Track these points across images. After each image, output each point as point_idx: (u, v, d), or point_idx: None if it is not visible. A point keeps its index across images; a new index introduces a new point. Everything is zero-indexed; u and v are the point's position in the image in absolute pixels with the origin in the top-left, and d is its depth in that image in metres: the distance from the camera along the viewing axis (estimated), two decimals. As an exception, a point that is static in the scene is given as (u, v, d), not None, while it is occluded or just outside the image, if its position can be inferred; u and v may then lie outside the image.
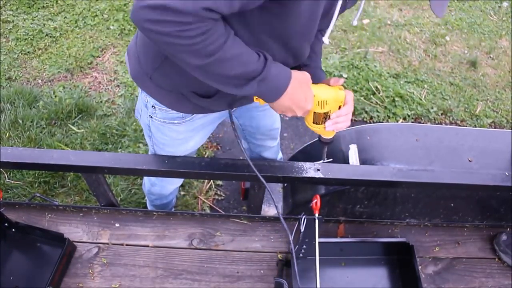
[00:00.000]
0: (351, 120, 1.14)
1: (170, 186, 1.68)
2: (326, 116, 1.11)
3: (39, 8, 3.27)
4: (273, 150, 1.81)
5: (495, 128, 2.83)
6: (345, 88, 1.10)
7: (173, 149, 1.41)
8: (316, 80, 1.13)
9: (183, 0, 0.79)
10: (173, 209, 1.96)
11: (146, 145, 2.41)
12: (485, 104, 2.97)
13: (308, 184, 1.52)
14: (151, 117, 1.30)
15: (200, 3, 0.80)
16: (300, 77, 1.04)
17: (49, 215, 1.49)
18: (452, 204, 1.53)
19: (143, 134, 2.45)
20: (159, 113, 1.27)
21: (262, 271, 1.40)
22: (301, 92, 1.03)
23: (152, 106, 1.26)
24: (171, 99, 1.23)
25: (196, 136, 1.41)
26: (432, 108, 2.85)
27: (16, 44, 3.00)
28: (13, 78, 2.81)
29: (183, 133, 1.35)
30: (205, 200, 2.25)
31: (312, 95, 1.06)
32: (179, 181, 1.73)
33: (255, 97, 1.08)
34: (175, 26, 0.81)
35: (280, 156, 1.99)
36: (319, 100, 1.07)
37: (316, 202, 1.26)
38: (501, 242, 1.47)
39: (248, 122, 1.59)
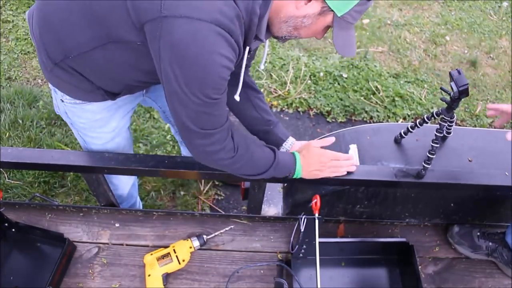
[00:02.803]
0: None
1: (123, 186, 1.63)
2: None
3: (39, 8, 3.27)
4: None
5: (495, 128, 2.83)
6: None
7: (95, 133, 1.38)
8: (279, 138, 1.41)
9: None
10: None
11: (146, 145, 2.41)
12: (485, 104, 2.97)
13: (308, 184, 1.52)
14: (63, 100, 1.28)
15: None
16: (303, 154, 1.28)
17: (49, 215, 1.49)
18: (452, 204, 1.53)
19: (143, 134, 2.45)
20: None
21: (262, 271, 1.40)
22: (312, 159, 1.28)
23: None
24: (75, 91, 1.23)
25: (115, 115, 1.37)
26: (432, 108, 2.85)
27: (16, 44, 3.00)
28: (13, 78, 2.81)
29: (98, 113, 1.31)
30: (205, 200, 2.25)
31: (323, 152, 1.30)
32: (129, 181, 1.66)
33: None
34: None
35: None
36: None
37: (316, 202, 1.26)
38: (454, 234, 1.48)
39: (165, 104, 1.65)
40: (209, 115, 1.02)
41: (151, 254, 1.35)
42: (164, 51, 0.92)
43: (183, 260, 1.35)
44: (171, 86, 0.95)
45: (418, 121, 1.44)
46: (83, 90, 1.21)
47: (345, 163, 1.32)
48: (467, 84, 1.16)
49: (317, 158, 1.28)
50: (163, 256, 1.34)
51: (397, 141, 1.55)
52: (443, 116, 1.29)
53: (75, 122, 1.35)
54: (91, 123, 1.34)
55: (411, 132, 1.49)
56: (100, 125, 1.35)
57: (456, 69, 1.18)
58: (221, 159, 1.11)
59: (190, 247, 1.38)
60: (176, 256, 1.34)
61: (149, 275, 1.31)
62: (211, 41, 0.90)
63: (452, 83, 1.17)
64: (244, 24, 0.96)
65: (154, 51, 0.95)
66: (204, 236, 1.41)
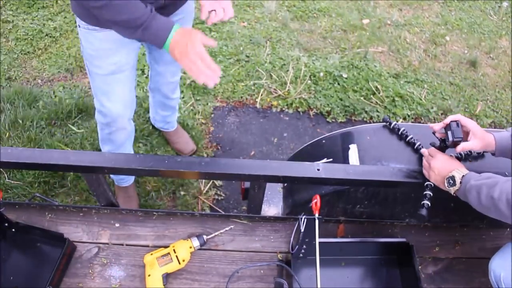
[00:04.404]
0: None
1: (115, 103, 1.67)
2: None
3: (39, 8, 3.27)
4: (171, 86, 2.04)
5: (495, 128, 2.83)
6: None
7: (99, 61, 1.53)
8: None
9: None
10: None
11: (146, 145, 2.41)
12: (485, 104, 2.97)
13: (308, 184, 1.52)
14: (79, 26, 1.46)
15: None
16: (181, 31, 1.24)
17: (49, 215, 1.49)
18: (452, 204, 1.52)
19: (143, 134, 2.45)
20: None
21: (262, 271, 1.40)
22: (184, 40, 1.23)
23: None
24: (87, 15, 1.39)
25: (121, 50, 1.52)
26: (432, 108, 2.85)
27: (16, 44, 3.00)
28: (13, 78, 2.81)
29: (105, 42, 1.47)
30: (205, 200, 2.25)
31: (198, 42, 1.23)
32: (125, 101, 1.71)
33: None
34: None
35: (177, 95, 2.14)
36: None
37: (316, 202, 1.26)
38: None
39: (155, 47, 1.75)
40: None
41: (151, 254, 1.35)
42: None
43: (183, 260, 1.35)
44: None
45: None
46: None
47: (204, 71, 1.22)
48: (461, 138, 1.26)
49: (186, 41, 1.22)
50: (163, 256, 1.34)
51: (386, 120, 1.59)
52: None
53: (86, 49, 1.52)
54: (98, 52, 1.51)
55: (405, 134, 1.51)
56: (105, 54, 1.51)
57: (456, 122, 1.28)
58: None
59: (190, 247, 1.38)
60: (176, 256, 1.34)
61: (149, 275, 1.31)
62: None
63: (449, 132, 1.28)
64: None
65: None
66: (204, 236, 1.41)
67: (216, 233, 1.45)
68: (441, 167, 1.26)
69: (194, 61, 1.21)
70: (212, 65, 1.22)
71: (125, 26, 1.23)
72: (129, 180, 2.10)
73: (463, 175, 1.21)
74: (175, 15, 1.57)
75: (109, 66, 1.54)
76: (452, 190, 1.22)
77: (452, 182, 1.22)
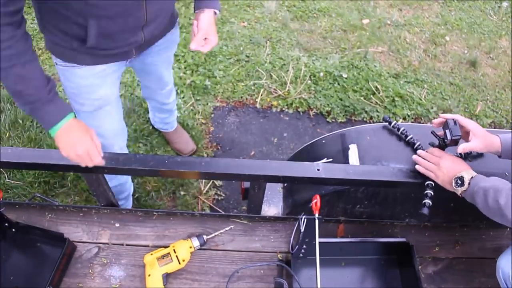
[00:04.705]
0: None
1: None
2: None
3: (39, 8, 3.27)
4: (165, 95, 2.04)
5: (494, 128, 2.83)
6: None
7: (82, 98, 1.45)
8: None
9: None
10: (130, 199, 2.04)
11: (146, 145, 2.41)
12: (485, 104, 2.97)
13: (308, 184, 1.52)
14: (57, 63, 1.38)
15: None
16: (71, 125, 1.19)
17: (49, 215, 1.49)
18: (452, 204, 1.53)
19: (143, 134, 2.45)
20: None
21: (262, 271, 1.40)
22: (71, 137, 1.19)
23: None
24: (63, 52, 1.33)
25: (104, 83, 1.45)
26: (432, 108, 2.85)
27: (16, 44, 3.00)
28: (13, 78, 2.81)
29: (86, 78, 1.40)
30: (205, 200, 2.25)
31: (89, 143, 1.19)
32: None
33: None
34: None
35: (173, 98, 2.14)
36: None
37: (316, 202, 1.26)
38: None
39: (141, 69, 1.76)
40: None
41: (151, 254, 1.35)
42: None
43: (183, 260, 1.35)
44: None
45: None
46: (68, 49, 1.30)
47: (87, 163, 1.22)
48: (460, 136, 1.27)
49: (76, 134, 1.19)
50: (163, 256, 1.34)
51: (387, 120, 1.59)
52: None
53: (66, 87, 1.45)
54: (80, 89, 1.43)
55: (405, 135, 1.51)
56: (88, 90, 1.43)
57: (453, 119, 1.28)
58: None
59: (190, 247, 1.38)
60: (176, 256, 1.34)
61: (149, 275, 1.31)
62: None
63: (447, 131, 1.28)
64: None
65: None
66: (204, 236, 1.41)
67: (216, 233, 1.45)
68: (450, 167, 1.25)
69: (80, 155, 1.19)
70: (96, 159, 1.22)
71: (16, 96, 1.15)
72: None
73: (472, 177, 1.21)
74: (156, 46, 1.53)
75: (94, 101, 1.47)
76: (459, 190, 1.22)
77: (460, 182, 1.22)
